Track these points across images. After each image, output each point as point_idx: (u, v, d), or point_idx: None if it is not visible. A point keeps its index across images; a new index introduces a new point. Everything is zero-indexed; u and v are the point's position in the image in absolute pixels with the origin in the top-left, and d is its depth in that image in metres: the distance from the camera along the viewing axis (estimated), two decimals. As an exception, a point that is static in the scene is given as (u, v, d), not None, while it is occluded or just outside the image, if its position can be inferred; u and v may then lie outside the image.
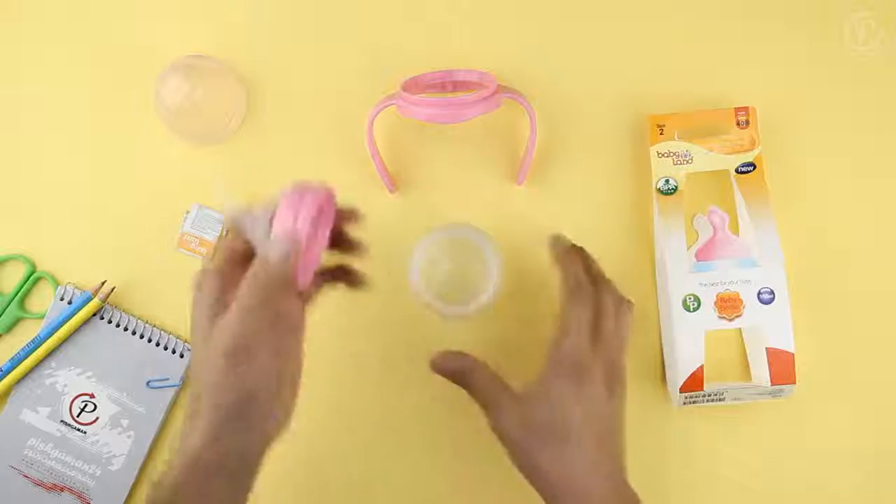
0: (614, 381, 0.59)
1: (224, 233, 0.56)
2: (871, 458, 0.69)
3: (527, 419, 0.57)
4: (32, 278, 0.72)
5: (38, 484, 0.70)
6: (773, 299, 0.66)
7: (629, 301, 0.62)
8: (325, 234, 0.58)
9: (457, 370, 0.61)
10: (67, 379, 0.70)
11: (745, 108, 0.70)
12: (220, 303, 0.54)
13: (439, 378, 0.61)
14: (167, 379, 0.70)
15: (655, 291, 0.70)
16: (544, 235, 0.66)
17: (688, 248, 0.68)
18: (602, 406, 0.58)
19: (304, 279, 0.57)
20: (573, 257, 0.63)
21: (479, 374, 0.60)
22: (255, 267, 0.54)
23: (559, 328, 0.60)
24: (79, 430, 0.70)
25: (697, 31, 0.73)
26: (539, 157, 0.71)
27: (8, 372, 0.70)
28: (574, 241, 0.65)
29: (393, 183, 0.71)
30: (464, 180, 0.72)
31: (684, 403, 0.68)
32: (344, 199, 0.65)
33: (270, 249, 0.54)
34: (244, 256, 0.56)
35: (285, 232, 0.54)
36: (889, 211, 0.71)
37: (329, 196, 0.58)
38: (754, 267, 0.67)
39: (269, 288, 0.54)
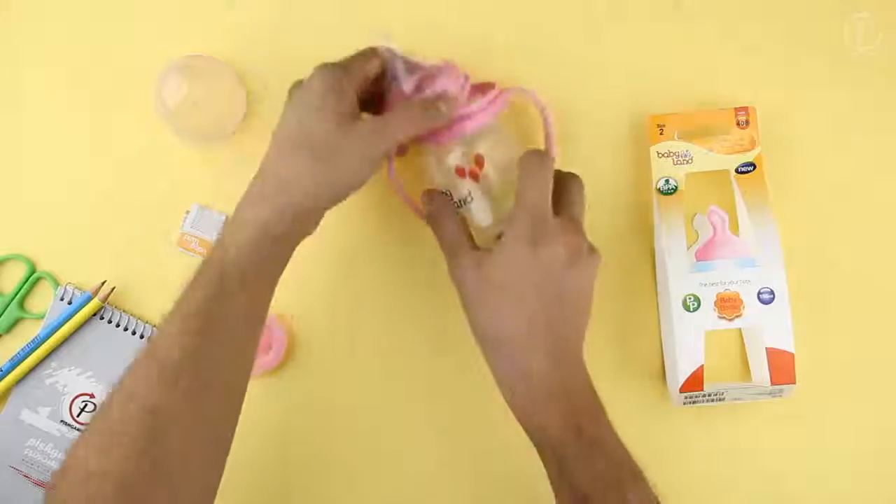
0: (580, 243, 0.60)
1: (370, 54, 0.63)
2: (871, 458, 0.69)
3: (481, 275, 0.59)
4: (32, 278, 0.72)
5: (39, 484, 0.70)
6: (773, 299, 0.66)
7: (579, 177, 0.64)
8: None
9: (431, 212, 0.64)
10: (67, 379, 0.70)
11: (745, 108, 0.70)
12: (356, 107, 0.61)
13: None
14: (167, 379, 0.70)
15: (655, 291, 0.70)
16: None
17: (688, 248, 0.68)
18: (559, 268, 0.59)
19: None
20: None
21: (446, 221, 0.63)
22: (422, 110, 0.62)
23: (520, 191, 0.60)
24: (79, 430, 0.70)
25: (697, 31, 0.73)
26: (539, 157, 0.71)
27: (8, 372, 0.70)
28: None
29: (422, 211, 0.67)
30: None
31: (684, 403, 0.68)
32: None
33: (441, 103, 0.62)
34: (369, 81, 0.63)
35: (456, 95, 0.62)
36: (889, 211, 0.71)
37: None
38: (754, 267, 0.67)
39: (421, 130, 0.62)
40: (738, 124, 0.69)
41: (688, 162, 0.69)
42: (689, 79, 0.72)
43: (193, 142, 0.72)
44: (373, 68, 0.62)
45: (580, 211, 0.62)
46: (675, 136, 0.70)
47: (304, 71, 0.73)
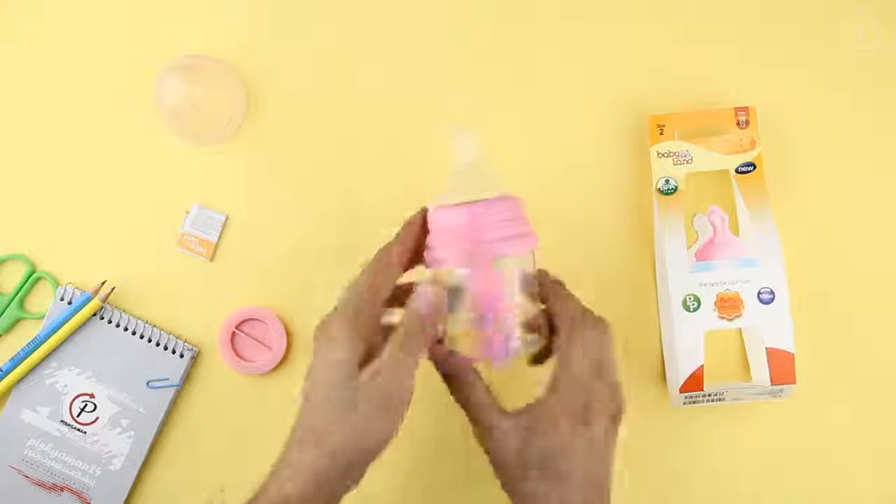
0: (618, 415, 0.56)
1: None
2: (871, 458, 0.69)
3: (526, 449, 0.55)
4: (32, 278, 0.72)
5: (38, 484, 0.70)
6: (773, 299, 0.66)
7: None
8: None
9: (453, 375, 0.58)
10: (67, 379, 0.70)
11: (745, 108, 0.70)
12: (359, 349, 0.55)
13: None
14: (167, 379, 0.70)
15: (655, 291, 0.70)
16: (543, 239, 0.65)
17: (688, 248, 0.68)
18: (603, 447, 0.55)
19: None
20: (567, 292, 0.59)
21: (475, 389, 0.57)
22: (406, 333, 0.55)
23: (562, 359, 0.56)
24: (79, 430, 0.70)
25: (697, 31, 0.73)
26: (538, 157, 0.71)
27: (8, 372, 0.70)
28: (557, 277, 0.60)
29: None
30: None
31: (684, 403, 0.68)
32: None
33: (415, 315, 0.55)
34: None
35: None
36: (889, 211, 0.71)
37: None
38: (754, 267, 0.67)
39: (417, 354, 0.55)
40: (738, 124, 0.69)
41: (688, 162, 0.69)
42: (689, 79, 0.73)
43: (193, 142, 0.72)
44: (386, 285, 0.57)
45: (614, 368, 0.56)
46: (675, 136, 0.70)
47: (304, 70, 0.73)
